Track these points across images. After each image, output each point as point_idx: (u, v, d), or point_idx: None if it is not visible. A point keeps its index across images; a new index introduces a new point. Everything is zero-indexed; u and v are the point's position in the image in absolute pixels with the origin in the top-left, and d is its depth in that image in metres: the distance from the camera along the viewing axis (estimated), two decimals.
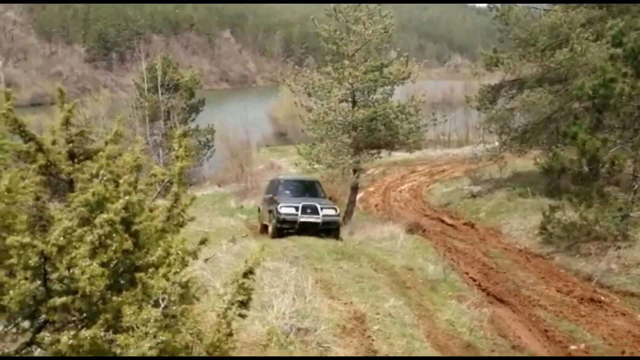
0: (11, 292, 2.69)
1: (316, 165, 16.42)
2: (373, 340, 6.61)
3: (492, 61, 18.62)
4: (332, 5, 15.58)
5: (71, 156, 3.76)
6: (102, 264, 2.84)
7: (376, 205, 21.76)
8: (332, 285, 8.66)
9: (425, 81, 27.08)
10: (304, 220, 13.13)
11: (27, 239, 2.71)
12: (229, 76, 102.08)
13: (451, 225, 16.78)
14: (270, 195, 14.70)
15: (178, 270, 2.88)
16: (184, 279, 2.87)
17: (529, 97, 17.67)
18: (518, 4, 18.92)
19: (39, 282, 2.82)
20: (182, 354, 2.84)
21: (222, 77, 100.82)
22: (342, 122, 15.69)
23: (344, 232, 14.02)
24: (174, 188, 3.59)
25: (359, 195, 19.55)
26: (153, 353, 2.57)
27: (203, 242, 3.53)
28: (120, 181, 3.21)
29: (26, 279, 2.75)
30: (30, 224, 3.19)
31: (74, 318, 2.92)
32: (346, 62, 15.38)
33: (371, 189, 25.43)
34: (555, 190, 14.13)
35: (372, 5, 15.61)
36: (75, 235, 2.87)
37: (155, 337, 2.62)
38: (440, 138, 42.39)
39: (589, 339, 7.57)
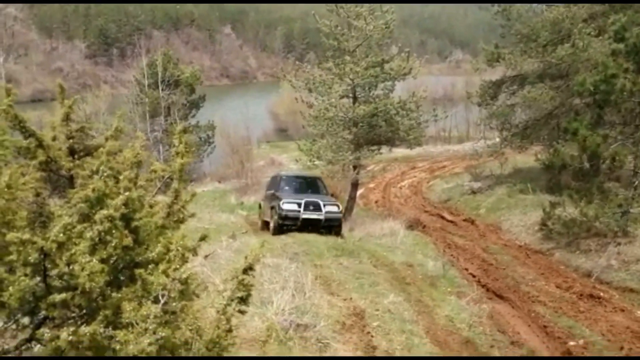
0: (11, 288, 2.69)
1: (317, 162, 16.40)
2: (372, 336, 6.63)
3: (493, 57, 18.59)
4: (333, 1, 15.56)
5: (71, 152, 3.76)
6: (102, 260, 2.84)
7: (376, 202, 21.77)
8: (331, 282, 8.68)
9: (426, 77, 27.04)
10: (306, 216, 13.00)
11: (27, 236, 2.71)
12: (229, 72, 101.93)
13: (451, 222, 16.79)
14: (272, 192, 14.57)
15: (178, 266, 2.88)
16: (184, 276, 2.87)
17: (530, 93, 17.64)
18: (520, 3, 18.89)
19: (38, 279, 2.82)
20: (182, 350, 2.85)
21: (223, 73, 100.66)
22: (343, 118, 15.67)
23: (344, 228, 14.01)
24: (175, 184, 3.59)
25: (359, 192, 19.55)
26: (153, 349, 2.58)
27: (203, 238, 3.53)
28: (121, 177, 3.21)
29: (26, 275, 2.76)
30: (30, 220, 3.19)
31: (73, 314, 2.93)
32: (347, 57, 15.36)
33: (371, 185, 25.44)
34: (555, 186, 14.14)
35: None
36: (75, 231, 2.88)
37: (155, 333, 2.62)
38: (441, 134, 42.40)
39: (588, 334, 7.59)
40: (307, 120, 16.48)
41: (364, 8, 15.30)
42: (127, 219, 3.01)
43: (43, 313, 2.87)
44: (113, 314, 2.82)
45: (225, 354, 3.02)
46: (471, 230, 15.32)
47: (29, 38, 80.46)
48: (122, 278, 3.05)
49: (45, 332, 2.78)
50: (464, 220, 16.86)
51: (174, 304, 2.84)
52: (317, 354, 5.89)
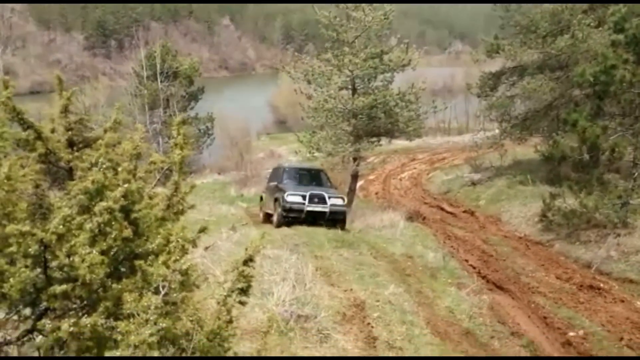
0: (12, 280, 2.70)
1: (316, 153, 16.37)
2: (373, 327, 6.65)
3: (493, 48, 18.53)
4: None
5: (70, 144, 3.75)
6: (102, 252, 2.84)
7: (376, 193, 21.78)
8: (332, 273, 8.70)
9: (425, 68, 26.91)
10: (311, 209, 12.85)
11: (27, 227, 2.71)
12: (228, 64, 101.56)
13: (451, 213, 16.81)
14: (275, 183, 14.38)
15: (178, 258, 2.88)
16: (184, 267, 2.87)
17: (529, 84, 17.61)
18: None
19: (39, 270, 2.83)
20: (183, 341, 2.86)
21: (222, 65, 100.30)
22: (342, 109, 15.62)
23: None
24: (174, 176, 3.58)
25: (359, 184, 19.55)
26: (153, 340, 2.58)
27: (203, 230, 3.53)
28: (120, 169, 3.20)
29: (26, 267, 2.76)
30: (30, 212, 3.19)
31: (74, 305, 2.94)
32: (346, 49, 15.29)
33: (371, 177, 25.44)
34: (555, 177, 14.16)
35: None
36: (74, 223, 2.88)
37: (155, 324, 2.63)
38: (441, 126, 42.36)
39: (588, 325, 7.62)
40: (307, 112, 16.42)
41: None
42: (126, 211, 3.01)
43: (44, 304, 2.88)
44: (114, 305, 2.83)
45: (226, 345, 3.03)
46: (471, 222, 15.34)
47: (26, 30, 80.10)
48: (122, 269, 3.06)
49: (47, 323, 2.79)
50: (464, 211, 16.88)
51: (174, 295, 2.84)
52: (318, 345, 5.91)
